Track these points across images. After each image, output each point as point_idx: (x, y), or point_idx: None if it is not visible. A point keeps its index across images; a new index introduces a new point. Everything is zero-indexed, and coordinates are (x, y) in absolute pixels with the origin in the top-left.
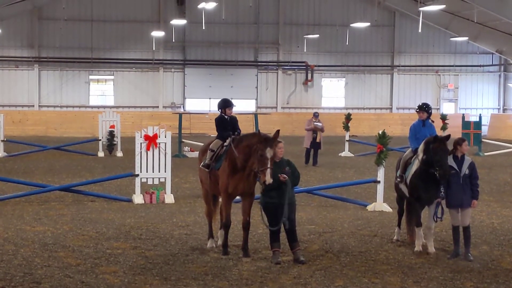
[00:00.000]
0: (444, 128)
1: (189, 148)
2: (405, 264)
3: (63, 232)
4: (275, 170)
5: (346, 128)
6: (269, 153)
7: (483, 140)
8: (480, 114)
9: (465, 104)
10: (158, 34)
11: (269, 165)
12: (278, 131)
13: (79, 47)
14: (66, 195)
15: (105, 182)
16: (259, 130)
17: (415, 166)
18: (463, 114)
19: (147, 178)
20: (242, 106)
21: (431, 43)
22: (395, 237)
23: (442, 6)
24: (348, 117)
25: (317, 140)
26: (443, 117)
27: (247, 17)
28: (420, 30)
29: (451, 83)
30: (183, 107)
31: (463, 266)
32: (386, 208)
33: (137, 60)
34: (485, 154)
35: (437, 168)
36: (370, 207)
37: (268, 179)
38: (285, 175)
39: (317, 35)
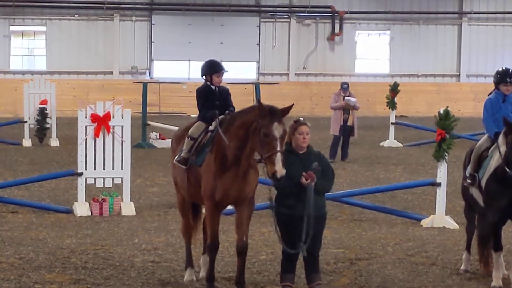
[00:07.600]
0: None
1: (157, 134)
2: None
3: None
4: (297, 166)
5: (392, 105)
6: (277, 130)
7: None
8: None
9: None
10: None
11: (278, 148)
12: (291, 106)
13: None
14: None
15: (34, 185)
16: (258, 100)
17: (494, 161)
18: None
19: (95, 179)
20: (238, 72)
21: None
22: (462, 267)
23: None
24: (394, 89)
25: (349, 124)
26: None
27: None
28: None
29: None
30: (149, 73)
31: None
32: (450, 223)
33: (81, 2)
34: None
35: None
36: (426, 222)
37: (280, 169)
38: (311, 174)
39: None
